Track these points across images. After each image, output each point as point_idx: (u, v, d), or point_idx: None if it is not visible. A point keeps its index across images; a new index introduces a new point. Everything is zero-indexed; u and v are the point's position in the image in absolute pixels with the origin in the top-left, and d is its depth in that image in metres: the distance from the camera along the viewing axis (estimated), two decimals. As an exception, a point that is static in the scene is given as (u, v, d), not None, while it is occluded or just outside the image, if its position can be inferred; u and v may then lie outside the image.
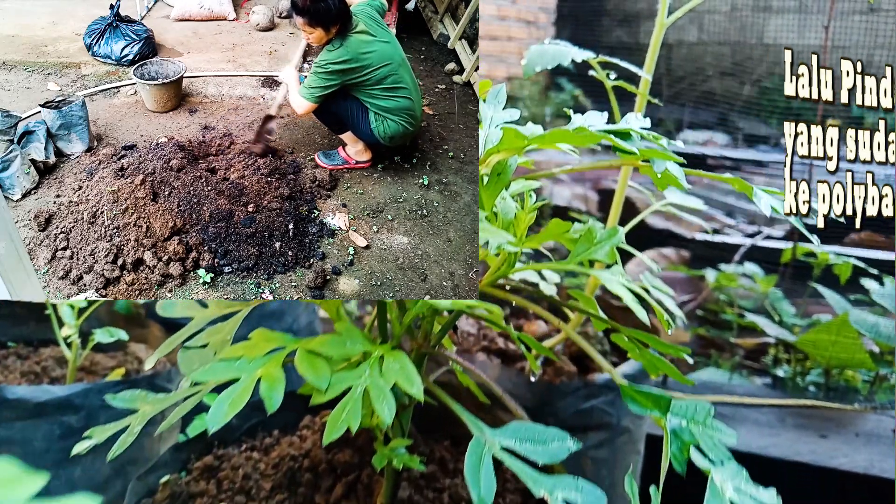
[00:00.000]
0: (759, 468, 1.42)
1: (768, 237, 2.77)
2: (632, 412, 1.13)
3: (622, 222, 1.30)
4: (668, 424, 0.66)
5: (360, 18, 1.79)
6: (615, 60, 1.16)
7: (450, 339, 1.40)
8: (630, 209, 3.08)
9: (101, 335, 1.21)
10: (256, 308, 0.90)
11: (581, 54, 1.10)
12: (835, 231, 2.81)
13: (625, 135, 0.82)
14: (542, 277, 1.40)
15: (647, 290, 0.89)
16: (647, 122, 0.89)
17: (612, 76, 1.17)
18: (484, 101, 0.91)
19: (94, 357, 1.35)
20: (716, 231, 2.97)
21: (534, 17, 5.60)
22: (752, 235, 2.87)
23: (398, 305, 0.80)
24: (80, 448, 0.68)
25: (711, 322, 2.20)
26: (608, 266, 0.80)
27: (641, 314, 0.73)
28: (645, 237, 2.84)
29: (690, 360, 0.92)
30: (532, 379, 1.14)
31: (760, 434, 1.51)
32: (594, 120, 0.82)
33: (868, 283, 1.86)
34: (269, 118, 1.95)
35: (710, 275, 2.26)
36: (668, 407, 0.67)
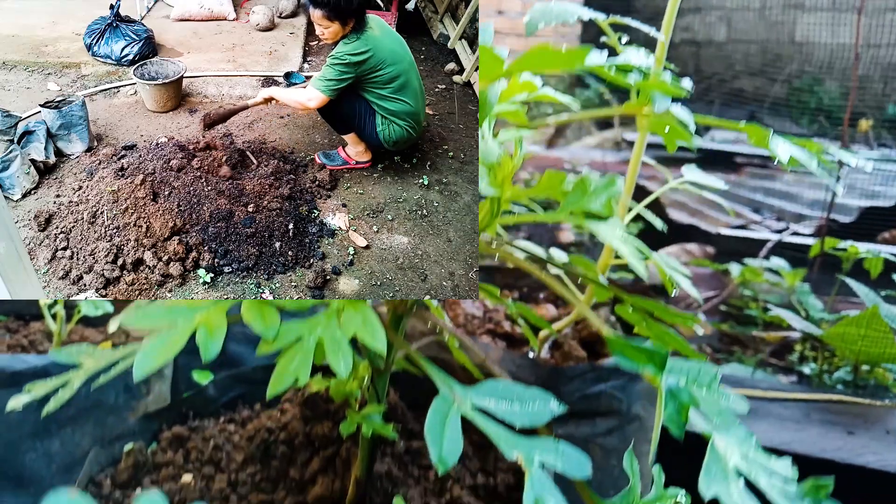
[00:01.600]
0: None
1: (796, 233, 2.73)
2: (643, 399, 1.10)
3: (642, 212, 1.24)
4: (664, 383, 0.57)
5: (371, 20, 1.80)
6: (627, 20, 1.06)
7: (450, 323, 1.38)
8: (655, 205, 3.06)
9: (87, 307, 1.20)
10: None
11: (589, 13, 1.02)
12: (866, 228, 2.79)
13: (627, 69, 0.72)
14: (549, 256, 1.36)
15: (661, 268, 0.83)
16: (652, 60, 0.79)
17: (625, 40, 1.08)
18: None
19: (84, 331, 1.34)
20: (741, 226, 2.94)
21: None
22: (779, 232, 2.85)
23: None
24: (14, 403, 0.62)
25: (735, 318, 2.15)
26: (604, 219, 0.70)
27: (640, 268, 0.66)
28: (668, 232, 2.82)
29: (699, 331, 0.88)
30: (531, 355, 1.11)
31: (784, 429, 1.45)
32: (596, 58, 0.72)
33: None
34: (233, 113, 1.92)
35: (734, 269, 2.21)
36: (663, 363, 0.58)
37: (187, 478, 0.86)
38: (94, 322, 1.38)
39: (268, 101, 1.89)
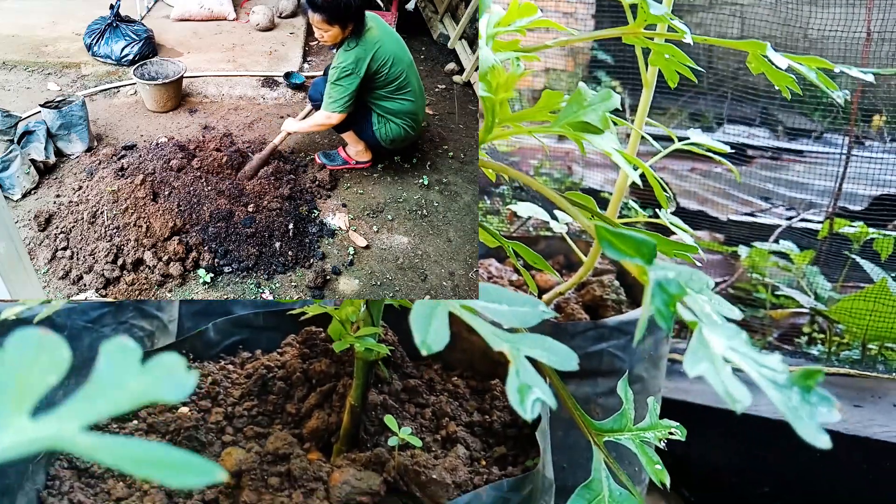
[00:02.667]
0: (786, 435, 1.38)
1: (805, 220, 2.72)
2: (645, 360, 1.09)
3: (656, 202, 1.22)
4: (653, 274, 0.52)
5: (370, 19, 1.79)
6: None
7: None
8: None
9: None
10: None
11: None
12: (878, 215, 2.78)
13: None
14: (554, 217, 1.34)
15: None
16: None
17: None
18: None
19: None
20: (751, 214, 2.92)
21: (572, 8, 5.60)
22: (789, 219, 2.84)
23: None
24: (9, 313, 0.65)
25: (744, 301, 2.14)
26: (599, 132, 0.68)
27: (632, 173, 0.64)
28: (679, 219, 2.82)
29: (698, 262, 0.86)
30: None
31: None
32: None
33: None
34: (265, 163, 1.86)
35: (743, 252, 2.18)
36: (652, 254, 0.53)
37: (184, 409, 0.86)
38: None
39: (289, 134, 1.89)
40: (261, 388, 0.92)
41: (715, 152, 1.23)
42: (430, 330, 0.49)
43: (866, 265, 1.57)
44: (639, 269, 0.53)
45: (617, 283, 1.32)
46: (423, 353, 0.48)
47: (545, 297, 1.28)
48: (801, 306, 1.76)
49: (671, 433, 0.74)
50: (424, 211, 1.86)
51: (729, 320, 0.55)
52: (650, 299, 0.51)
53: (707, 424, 1.44)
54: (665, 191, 1.03)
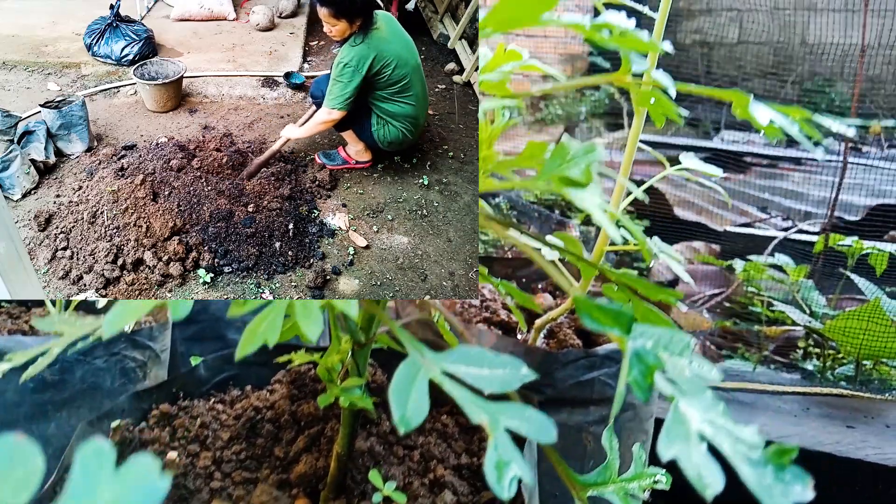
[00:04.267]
0: None
1: (802, 231, 2.71)
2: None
3: (651, 213, 1.23)
4: (630, 345, 0.54)
5: (379, 17, 1.78)
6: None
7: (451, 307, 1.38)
8: (660, 202, 3.05)
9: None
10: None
11: None
12: (874, 226, 2.77)
13: (601, 28, 0.69)
14: (545, 242, 1.34)
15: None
16: (632, 23, 0.77)
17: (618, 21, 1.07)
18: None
19: (85, 319, 1.35)
20: (747, 224, 2.92)
21: (570, 15, 5.59)
22: (785, 230, 2.83)
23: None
24: None
25: (739, 315, 2.14)
26: (583, 186, 0.68)
27: (615, 234, 0.64)
28: (675, 230, 2.81)
29: (683, 307, 0.87)
30: (519, 337, 1.10)
31: (783, 423, 1.43)
32: (570, 16, 0.71)
33: None
34: (264, 165, 1.86)
35: (739, 265, 2.18)
36: (630, 325, 0.55)
37: (172, 455, 0.86)
38: (93, 309, 1.39)
39: (289, 140, 1.88)
40: (249, 430, 0.92)
41: (706, 175, 1.23)
42: (408, 404, 0.49)
43: (861, 282, 1.56)
44: (619, 339, 0.54)
45: (624, 271, 1.32)
46: (401, 431, 0.48)
47: (538, 322, 1.28)
48: (796, 323, 1.76)
49: (656, 481, 0.73)
50: (424, 211, 1.86)
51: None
52: (628, 370, 0.52)
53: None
54: (665, 204, 1.04)
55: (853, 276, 1.61)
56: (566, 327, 1.32)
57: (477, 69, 2.47)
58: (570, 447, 1.14)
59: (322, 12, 1.72)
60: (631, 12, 1.02)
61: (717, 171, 1.23)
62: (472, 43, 2.62)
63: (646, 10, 1.04)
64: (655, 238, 1.17)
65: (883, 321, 1.47)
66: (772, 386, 1.53)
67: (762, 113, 0.83)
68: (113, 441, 0.85)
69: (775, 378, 1.64)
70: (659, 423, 1.31)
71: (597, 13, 0.76)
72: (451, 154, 2.09)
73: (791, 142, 4.38)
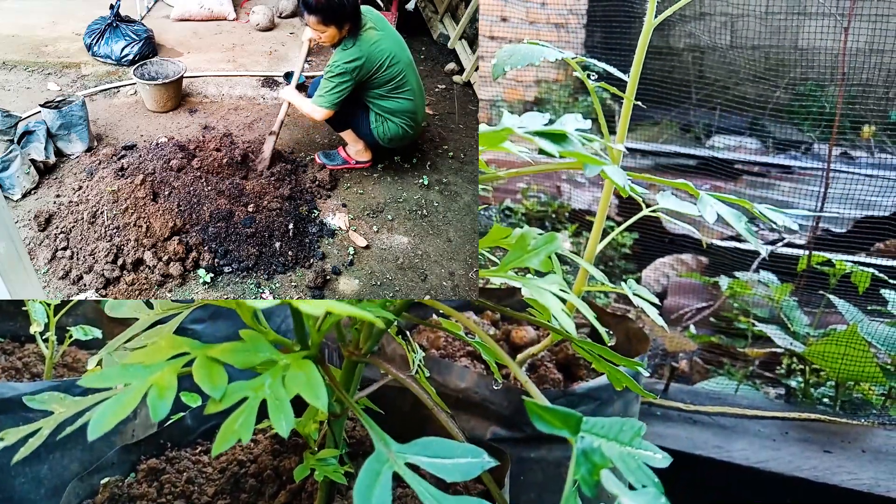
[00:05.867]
0: (757, 483, 1.38)
1: (790, 244, 2.71)
2: None
3: (640, 225, 1.25)
4: (578, 444, 0.58)
5: (367, 16, 1.79)
6: (593, 61, 1.12)
7: (437, 340, 1.38)
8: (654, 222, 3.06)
9: (77, 332, 1.21)
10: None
11: (556, 54, 1.05)
12: (861, 238, 2.77)
13: (560, 137, 0.74)
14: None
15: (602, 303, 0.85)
16: (587, 124, 0.82)
17: (593, 77, 1.13)
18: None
19: (77, 353, 1.36)
20: (735, 237, 2.92)
21: (564, 20, 5.59)
22: (772, 243, 2.82)
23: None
24: None
25: (726, 332, 2.15)
26: (543, 274, 0.75)
27: (569, 326, 0.68)
28: (663, 243, 2.80)
29: (646, 373, 0.90)
30: (495, 387, 1.12)
31: (762, 448, 1.45)
32: (529, 121, 0.75)
33: (888, 294, 1.74)
34: (271, 134, 1.91)
35: (724, 282, 2.19)
36: (577, 426, 0.59)
37: None
38: (85, 344, 1.38)
39: (290, 105, 1.91)
40: (233, 485, 0.93)
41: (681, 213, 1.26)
42: (372, 500, 0.52)
43: (840, 305, 1.58)
44: (569, 440, 0.58)
45: (590, 341, 1.34)
46: None
47: (519, 356, 1.28)
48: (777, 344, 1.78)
49: None
50: (424, 211, 1.86)
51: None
52: (575, 468, 0.55)
53: (680, 470, 1.45)
54: (654, 216, 1.05)
55: (833, 298, 1.62)
56: (547, 361, 1.33)
57: (477, 69, 2.47)
58: (549, 482, 1.15)
59: (311, 20, 1.72)
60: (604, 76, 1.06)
61: (693, 210, 1.25)
62: (472, 43, 2.62)
63: (621, 74, 1.10)
64: (630, 281, 1.20)
65: (860, 346, 1.50)
66: (751, 410, 1.55)
67: (709, 210, 0.88)
68: (103, 497, 0.87)
69: (756, 400, 1.65)
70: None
71: (582, 86, 0.78)
72: (451, 154, 2.09)
73: (780, 149, 4.36)
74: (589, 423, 0.60)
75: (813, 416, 1.53)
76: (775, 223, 0.96)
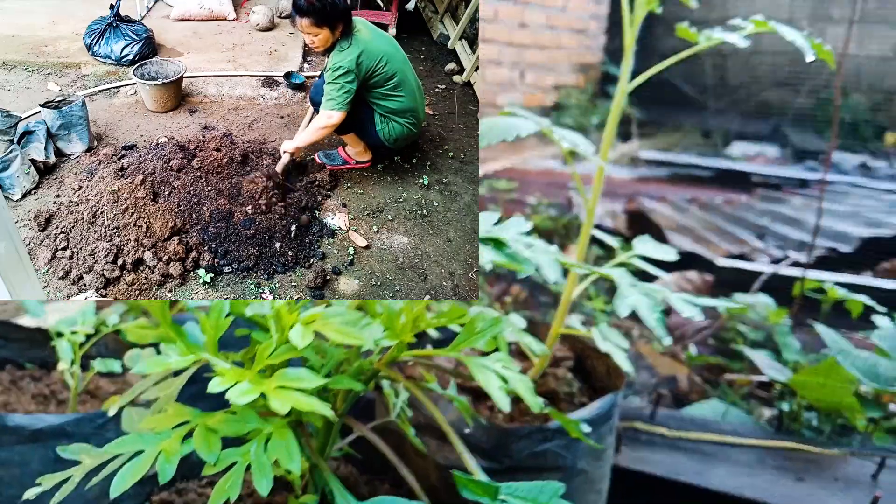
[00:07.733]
0: None
1: (796, 263, 2.70)
2: (588, 455, 1.16)
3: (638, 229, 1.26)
4: None
5: (356, 22, 1.79)
6: (564, 132, 1.17)
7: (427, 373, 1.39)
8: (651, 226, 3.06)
9: (99, 365, 1.26)
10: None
11: (531, 127, 1.11)
12: (867, 258, 2.75)
13: (498, 243, 0.89)
14: (507, 321, 1.41)
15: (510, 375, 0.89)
16: (528, 226, 0.94)
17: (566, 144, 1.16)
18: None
19: (99, 382, 1.41)
20: (741, 256, 2.92)
21: (584, 25, 5.58)
22: (777, 261, 2.82)
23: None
24: (30, 494, 0.76)
25: (724, 353, 2.17)
26: (488, 353, 0.84)
27: (503, 402, 0.76)
28: (668, 261, 2.79)
29: (588, 428, 0.97)
30: (466, 431, 1.14)
31: (738, 475, 1.49)
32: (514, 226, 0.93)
33: (879, 321, 1.74)
34: (275, 174, 1.81)
35: (721, 306, 2.20)
36: (496, 494, 0.71)
37: None
38: (107, 373, 1.42)
39: (291, 154, 1.84)
40: None
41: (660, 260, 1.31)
42: None
43: (824, 333, 1.61)
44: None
45: (570, 375, 1.36)
46: None
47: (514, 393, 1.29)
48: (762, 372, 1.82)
49: None
50: (424, 211, 1.86)
51: None
52: None
53: (664, 495, 1.46)
54: (657, 231, 1.08)
55: (818, 327, 1.65)
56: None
57: (477, 69, 2.47)
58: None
59: (303, 23, 1.71)
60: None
61: (670, 256, 1.28)
62: (472, 43, 2.62)
63: (590, 151, 1.18)
64: (602, 325, 1.23)
65: (839, 378, 1.56)
66: (731, 437, 1.59)
67: (624, 305, 1.02)
68: None
69: (740, 426, 1.69)
70: (620, 474, 1.34)
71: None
72: (451, 154, 2.10)
73: (803, 156, 4.32)
74: (511, 487, 0.73)
75: (788, 444, 1.57)
76: (682, 312, 1.06)
